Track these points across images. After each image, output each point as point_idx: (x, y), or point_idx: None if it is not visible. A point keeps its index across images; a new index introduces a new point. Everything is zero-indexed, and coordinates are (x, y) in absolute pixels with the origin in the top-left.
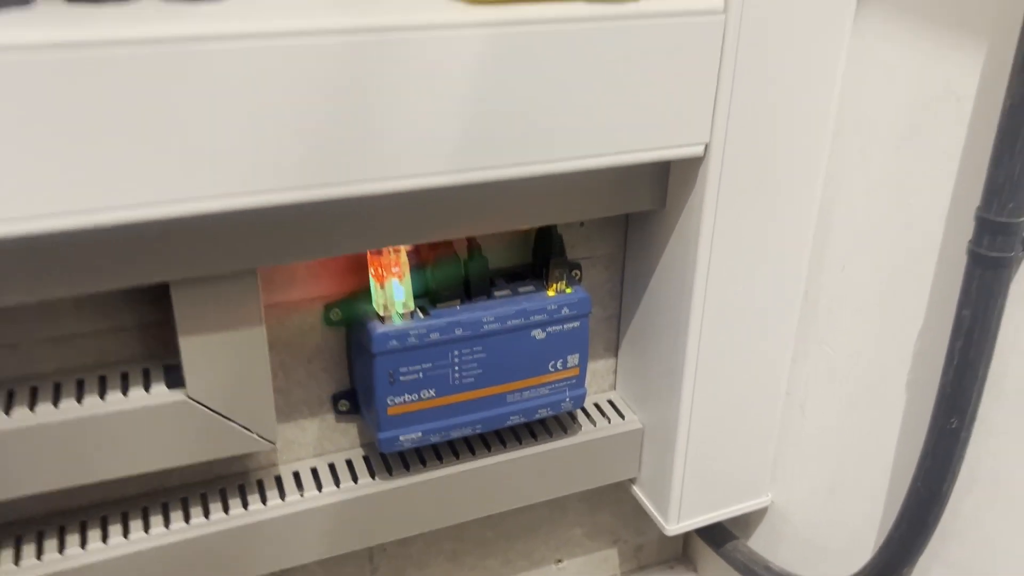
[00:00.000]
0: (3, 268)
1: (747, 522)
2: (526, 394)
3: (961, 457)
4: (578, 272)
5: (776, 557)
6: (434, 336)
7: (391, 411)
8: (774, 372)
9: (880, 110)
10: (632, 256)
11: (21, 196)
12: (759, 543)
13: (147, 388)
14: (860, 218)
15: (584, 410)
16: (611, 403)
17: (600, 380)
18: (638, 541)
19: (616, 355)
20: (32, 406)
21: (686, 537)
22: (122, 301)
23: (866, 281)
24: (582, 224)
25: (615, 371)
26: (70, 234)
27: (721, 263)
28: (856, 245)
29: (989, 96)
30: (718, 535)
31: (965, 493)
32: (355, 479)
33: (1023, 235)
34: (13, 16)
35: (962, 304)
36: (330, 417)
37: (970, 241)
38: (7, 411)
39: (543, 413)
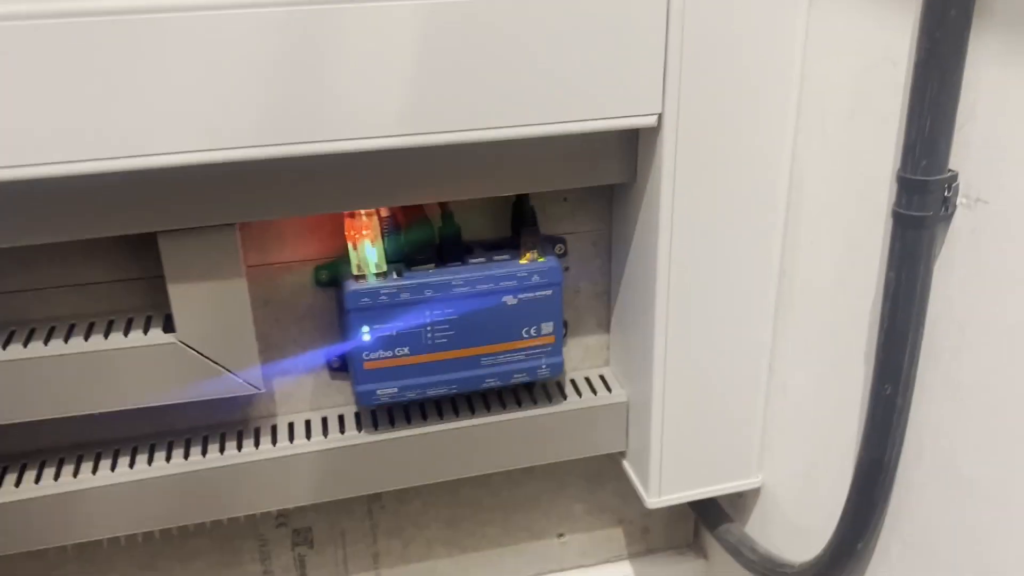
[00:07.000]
0: (10, 211)
1: (743, 504)
2: (501, 358)
3: (900, 425)
4: (562, 246)
5: (767, 539)
6: (405, 296)
7: (367, 365)
8: (753, 352)
9: (834, 80)
10: (615, 232)
11: (23, 146)
12: (754, 526)
13: (146, 331)
14: (824, 191)
15: (574, 382)
16: (602, 378)
17: (594, 356)
18: (643, 523)
19: (608, 331)
20: (47, 341)
21: (696, 523)
22: (130, 254)
23: (830, 255)
24: (565, 199)
25: (607, 347)
26: (62, 181)
27: (685, 237)
28: (821, 219)
29: None
30: (712, 516)
31: (913, 466)
32: (342, 431)
33: (943, 194)
34: None
35: (888, 267)
36: (325, 374)
37: (893, 202)
38: (25, 344)
39: (520, 378)
